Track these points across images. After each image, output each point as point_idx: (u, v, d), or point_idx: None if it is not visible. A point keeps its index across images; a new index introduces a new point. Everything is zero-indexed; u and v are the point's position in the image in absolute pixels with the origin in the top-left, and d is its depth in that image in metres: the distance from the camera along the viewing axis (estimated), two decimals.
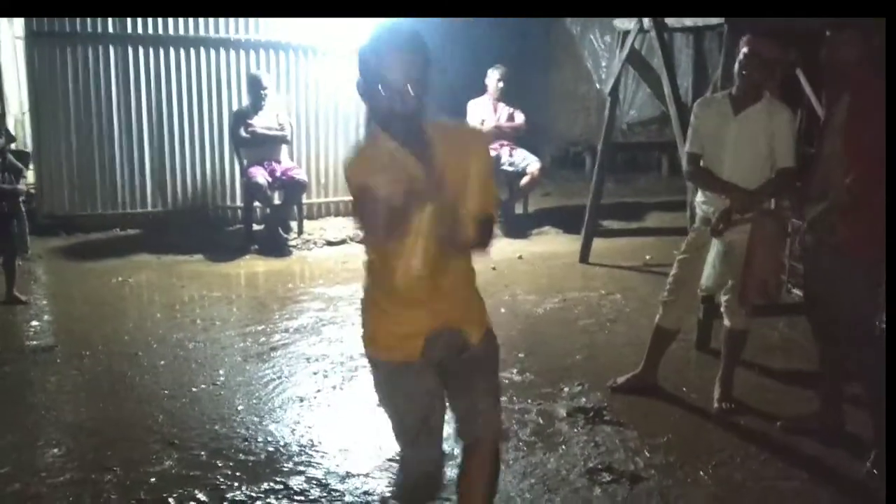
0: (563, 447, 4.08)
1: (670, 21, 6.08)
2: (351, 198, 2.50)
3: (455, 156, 2.45)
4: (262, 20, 8.72)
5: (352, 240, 8.23)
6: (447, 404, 2.71)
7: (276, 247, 7.87)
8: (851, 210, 3.80)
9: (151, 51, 8.50)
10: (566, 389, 4.72)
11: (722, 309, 4.57)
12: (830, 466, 3.90)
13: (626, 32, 6.74)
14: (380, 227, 2.37)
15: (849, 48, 3.86)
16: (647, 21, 6.23)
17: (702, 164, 4.44)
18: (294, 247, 8.03)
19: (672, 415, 4.46)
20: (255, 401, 4.61)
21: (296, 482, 3.73)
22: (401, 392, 2.67)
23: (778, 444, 4.11)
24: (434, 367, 2.63)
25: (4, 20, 10.10)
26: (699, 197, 4.56)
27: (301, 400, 4.63)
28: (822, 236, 3.96)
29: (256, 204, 8.17)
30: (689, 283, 4.58)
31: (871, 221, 3.76)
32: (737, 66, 4.31)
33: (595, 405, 4.50)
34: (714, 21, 5.56)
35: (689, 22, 6.00)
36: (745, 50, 4.26)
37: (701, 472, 3.82)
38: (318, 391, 4.75)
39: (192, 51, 8.61)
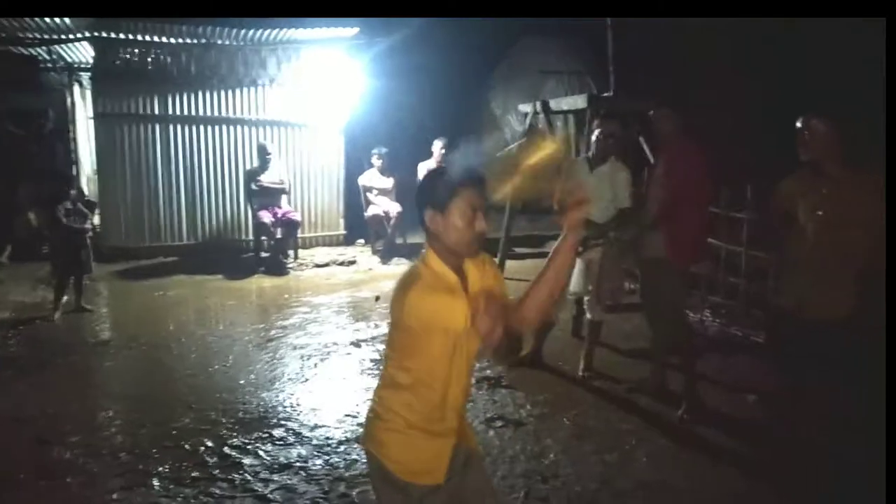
0: (471, 404, 4.21)
1: (553, 106, 6.36)
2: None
3: (480, 281, 2.02)
4: (269, 105, 8.87)
5: (334, 263, 8.35)
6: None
7: (277, 268, 7.92)
8: (668, 234, 4.05)
9: (186, 127, 8.57)
10: (476, 365, 4.85)
11: (585, 307, 4.78)
12: (655, 413, 4.11)
13: (527, 113, 6.96)
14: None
15: (665, 122, 4.11)
16: (538, 105, 6.50)
17: None
18: (291, 268, 8.06)
19: (549, 381, 4.62)
20: (253, 377, 4.70)
21: (278, 432, 3.85)
22: None
23: (621, 399, 4.31)
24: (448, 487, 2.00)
25: (80, 103, 10.14)
26: None
27: (287, 376, 4.73)
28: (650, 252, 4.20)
29: (263, 237, 8.22)
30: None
31: (682, 242, 4.03)
32: (592, 139, 4.57)
33: (496, 375, 4.66)
34: (582, 105, 5.83)
35: (565, 106, 6.27)
36: (595, 130, 4.52)
37: (565, 419, 4.01)
38: (300, 369, 4.85)
39: (216, 127, 8.69)
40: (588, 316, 4.72)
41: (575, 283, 4.73)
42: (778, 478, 3.31)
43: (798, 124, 3.16)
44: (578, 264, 4.64)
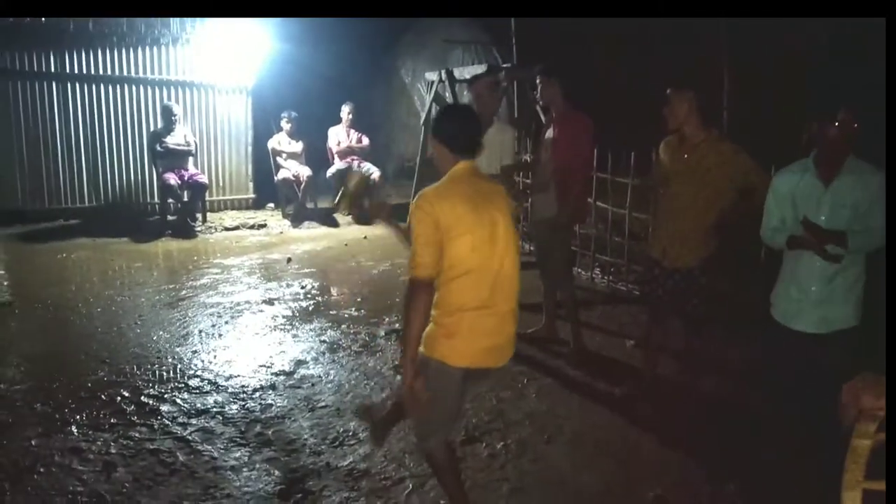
0: (380, 353, 4.55)
1: (457, 75, 6.66)
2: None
3: None
4: (173, 62, 8.71)
5: (244, 226, 8.40)
6: None
7: (185, 231, 7.90)
8: (560, 197, 4.43)
9: (85, 86, 8.31)
10: (386, 319, 5.17)
11: None
12: (552, 352, 4.56)
13: (433, 82, 7.22)
14: None
15: (551, 89, 4.45)
16: (443, 74, 6.77)
17: None
18: (199, 231, 8.07)
19: None
20: (166, 334, 4.81)
21: (193, 382, 4.03)
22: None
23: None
24: None
25: None
26: None
27: (200, 332, 4.86)
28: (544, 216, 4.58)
29: (170, 200, 8.15)
30: None
31: (571, 206, 4.43)
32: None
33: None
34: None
35: (467, 75, 6.57)
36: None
37: None
38: (213, 326, 4.99)
39: (118, 86, 8.47)
40: None
41: None
42: (645, 407, 3.81)
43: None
44: None
